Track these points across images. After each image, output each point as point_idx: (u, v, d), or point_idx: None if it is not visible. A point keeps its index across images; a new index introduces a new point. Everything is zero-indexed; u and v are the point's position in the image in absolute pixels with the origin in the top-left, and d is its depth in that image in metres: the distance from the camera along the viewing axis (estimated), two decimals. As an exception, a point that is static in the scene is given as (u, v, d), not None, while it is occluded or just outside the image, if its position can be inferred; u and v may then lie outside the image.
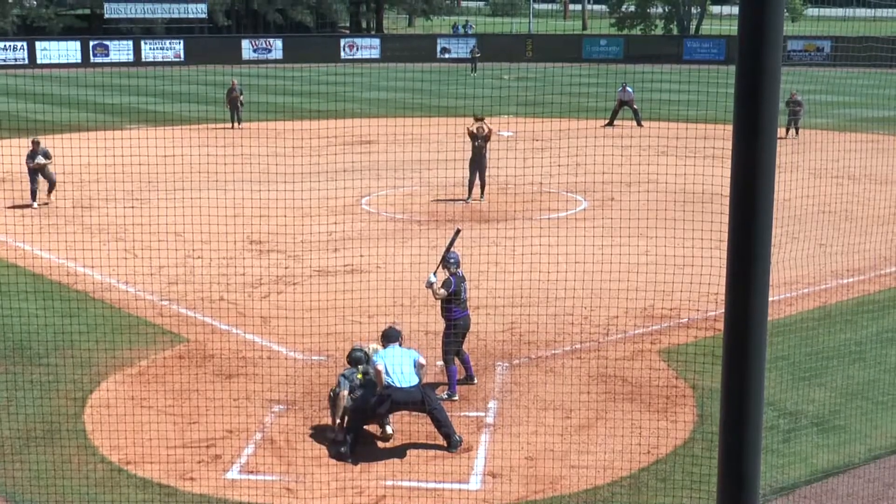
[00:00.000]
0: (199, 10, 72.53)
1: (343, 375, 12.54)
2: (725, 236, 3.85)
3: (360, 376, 12.44)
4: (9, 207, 25.13)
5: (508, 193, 26.20)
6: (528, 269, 18.03)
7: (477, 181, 24.92)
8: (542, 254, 17.78)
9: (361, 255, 20.21)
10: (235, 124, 38.80)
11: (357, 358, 12.60)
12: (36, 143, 25.09)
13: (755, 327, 3.83)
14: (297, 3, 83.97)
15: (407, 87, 47.69)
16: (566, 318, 16.41)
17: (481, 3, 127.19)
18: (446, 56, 72.13)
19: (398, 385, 12.00)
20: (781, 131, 36.04)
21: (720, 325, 15.89)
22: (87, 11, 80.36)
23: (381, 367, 12.12)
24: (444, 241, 20.36)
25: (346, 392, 12.34)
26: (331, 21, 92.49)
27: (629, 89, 39.45)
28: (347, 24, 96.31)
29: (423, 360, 12.43)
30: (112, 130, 32.29)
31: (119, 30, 72.45)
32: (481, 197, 24.75)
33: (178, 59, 68.56)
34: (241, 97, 38.87)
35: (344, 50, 73.40)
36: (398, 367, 12.13)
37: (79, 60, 65.99)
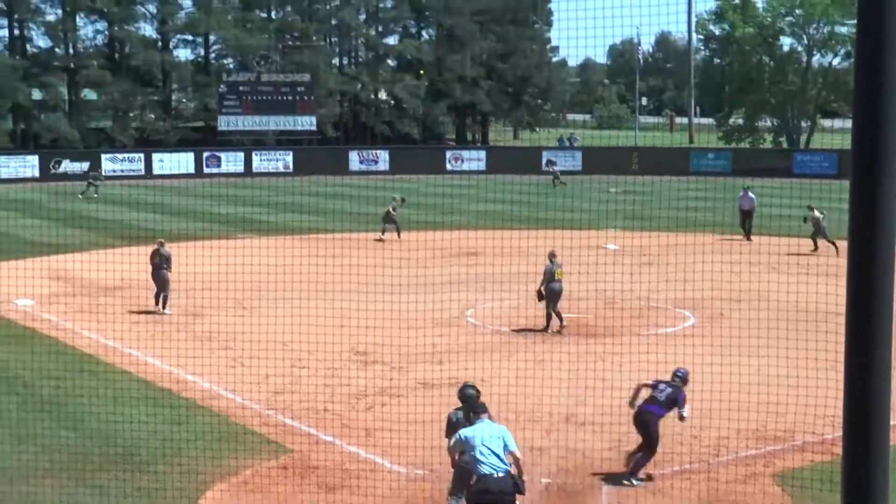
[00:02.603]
0: (308, 123, 74.60)
1: (452, 421, 12.42)
2: (841, 356, 3.81)
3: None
4: (124, 314, 25.86)
5: (615, 308, 26.06)
6: (635, 385, 17.81)
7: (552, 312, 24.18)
8: (649, 370, 17.57)
9: (466, 369, 20.24)
10: (389, 235, 39.03)
11: (469, 395, 12.55)
12: (160, 244, 26.25)
13: (876, 455, 3.75)
14: (403, 115, 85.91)
15: (513, 199, 48.04)
16: (674, 438, 16.13)
17: (587, 117, 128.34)
18: (552, 169, 72.67)
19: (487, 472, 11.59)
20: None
21: (838, 450, 15.42)
22: (202, 124, 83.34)
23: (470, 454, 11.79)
24: (549, 355, 20.30)
25: (457, 456, 12.17)
26: (437, 133, 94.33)
27: (751, 195, 38.78)
28: (453, 136, 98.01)
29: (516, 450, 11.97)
30: (223, 239, 33.23)
31: (231, 142, 74.91)
32: (547, 328, 23.99)
33: (286, 171, 70.41)
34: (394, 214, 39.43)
35: (449, 161, 74.50)
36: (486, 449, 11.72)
37: (192, 171, 68.26)
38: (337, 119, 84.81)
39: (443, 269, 29.41)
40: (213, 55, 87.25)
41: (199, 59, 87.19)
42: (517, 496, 11.88)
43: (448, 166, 73.74)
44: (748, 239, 37.78)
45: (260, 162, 71.50)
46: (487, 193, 55.81)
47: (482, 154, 76.38)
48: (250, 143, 76.33)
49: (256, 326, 22.51)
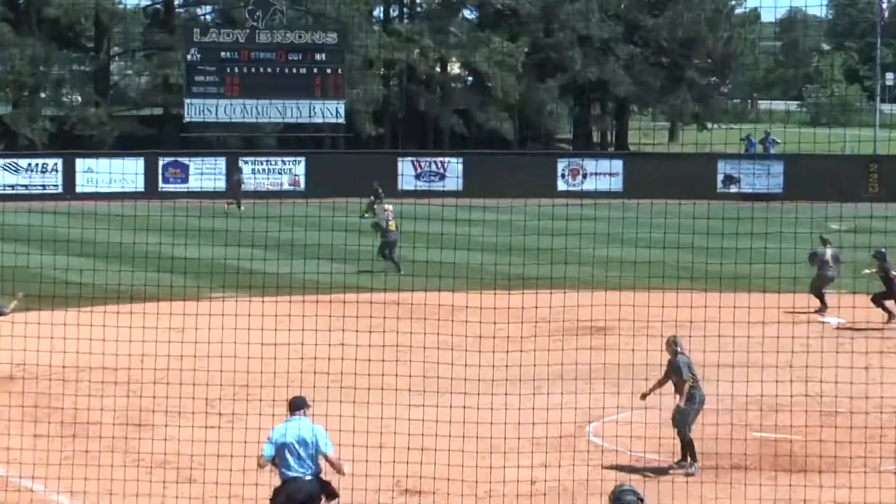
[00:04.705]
0: (332, 112, 74.29)
1: None
2: None
3: None
4: (23, 422, 26.04)
5: (838, 425, 25.70)
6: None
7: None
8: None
9: (586, 522, 20.09)
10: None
11: (628, 503, 14.19)
12: None
13: None
14: (488, 101, 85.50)
15: (668, 240, 47.84)
16: None
17: (793, 105, 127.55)
18: (732, 189, 72.19)
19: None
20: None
21: None
22: (158, 112, 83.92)
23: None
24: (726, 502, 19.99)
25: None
26: (543, 131, 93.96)
27: None
28: (569, 136, 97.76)
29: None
30: (189, 301, 33.34)
31: (205, 141, 75.30)
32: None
33: (295, 189, 70.58)
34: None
35: (563, 176, 74.35)
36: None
37: (141, 188, 68.70)
38: (379, 106, 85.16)
39: (550, 355, 29.27)
40: (178, 1, 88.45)
41: (157, 6, 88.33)
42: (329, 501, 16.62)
43: (560, 184, 73.57)
44: None
45: (251, 173, 71.97)
46: (625, 230, 55.66)
47: (618, 165, 76.13)
48: (237, 143, 76.88)
49: (239, 445, 22.51)
